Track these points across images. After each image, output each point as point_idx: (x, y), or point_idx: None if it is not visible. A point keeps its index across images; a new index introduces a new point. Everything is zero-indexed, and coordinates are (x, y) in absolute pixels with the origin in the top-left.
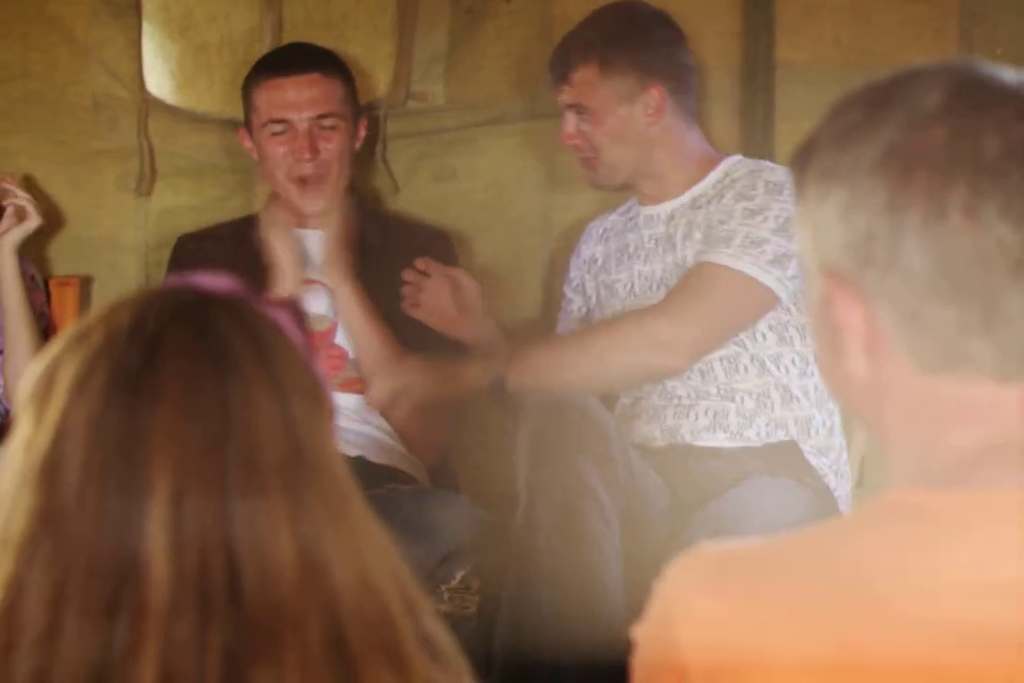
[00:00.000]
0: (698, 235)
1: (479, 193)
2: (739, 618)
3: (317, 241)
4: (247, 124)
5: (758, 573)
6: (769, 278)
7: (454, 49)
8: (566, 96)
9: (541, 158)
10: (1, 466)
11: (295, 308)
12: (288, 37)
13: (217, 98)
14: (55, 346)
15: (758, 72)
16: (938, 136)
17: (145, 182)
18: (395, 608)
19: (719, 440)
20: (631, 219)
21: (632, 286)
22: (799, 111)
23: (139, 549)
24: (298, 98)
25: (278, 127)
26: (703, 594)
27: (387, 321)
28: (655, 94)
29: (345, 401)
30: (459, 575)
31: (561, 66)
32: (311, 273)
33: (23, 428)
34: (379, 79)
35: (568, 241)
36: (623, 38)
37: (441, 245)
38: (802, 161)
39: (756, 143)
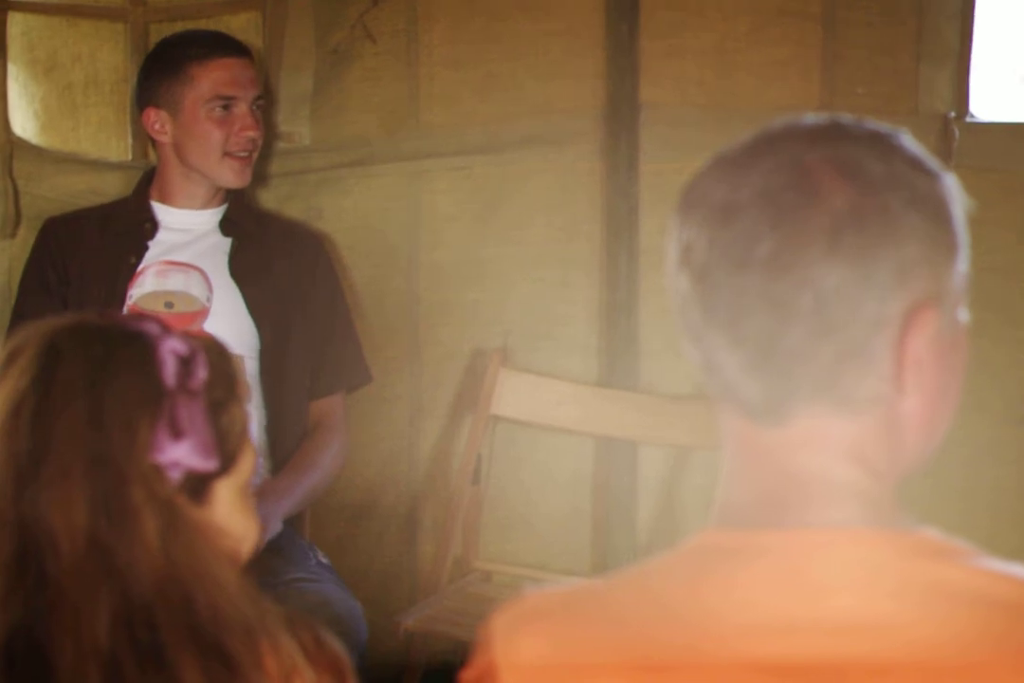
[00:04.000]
0: None
1: (346, 233)
2: (559, 658)
3: (205, 220)
4: (160, 103)
5: (577, 614)
6: None
7: (320, 90)
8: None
9: (407, 198)
10: None
11: (212, 344)
12: None
13: (83, 139)
14: None
15: (622, 113)
16: (703, 173)
17: (9, 224)
18: (199, 597)
19: None
20: None
21: None
22: (663, 151)
23: None
24: (244, 78)
25: (220, 104)
26: (525, 638)
27: (260, 313)
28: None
29: None
30: None
31: None
32: (188, 256)
33: None
34: None
35: (436, 279)
36: None
37: (313, 242)
38: None
39: (620, 184)
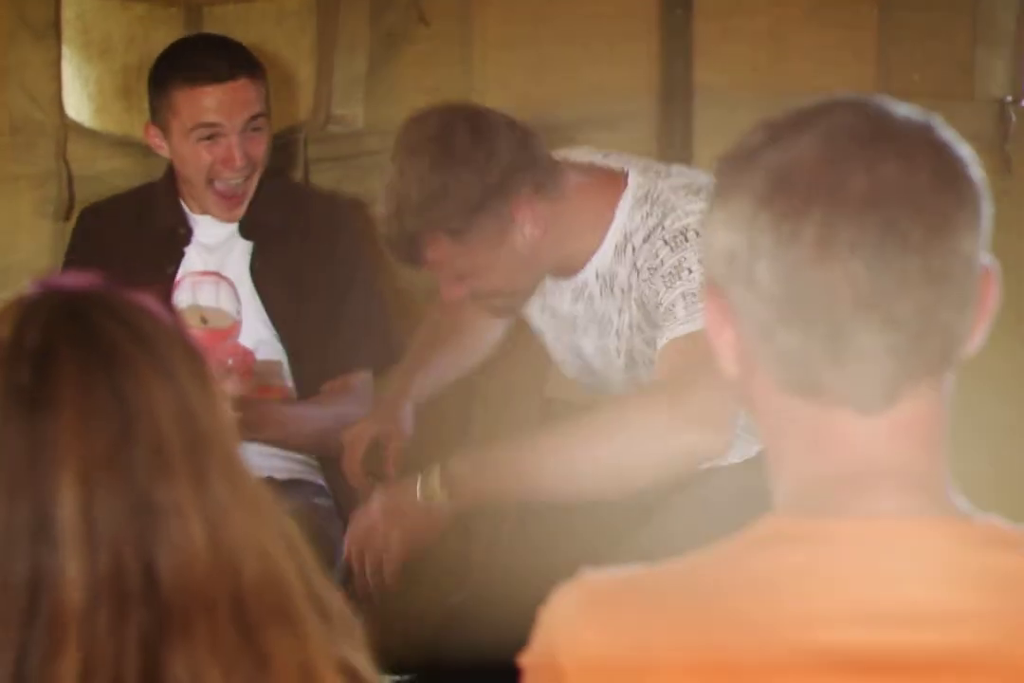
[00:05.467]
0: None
1: None
2: (622, 646)
3: (221, 228)
4: (157, 120)
5: (640, 601)
6: None
7: (374, 72)
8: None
9: None
10: None
11: (158, 294)
12: None
13: (136, 121)
14: None
15: (676, 96)
16: (808, 163)
17: (63, 207)
18: (288, 574)
19: None
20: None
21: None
22: (717, 135)
23: (52, 555)
24: (230, 103)
25: (206, 132)
26: (586, 622)
27: (281, 320)
28: (525, 214)
29: None
30: None
31: (406, 254)
32: (215, 263)
33: None
34: (299, 102)
35: None
36: (459, 190)
37: (358, 215)
38: (712, 180)
39: None
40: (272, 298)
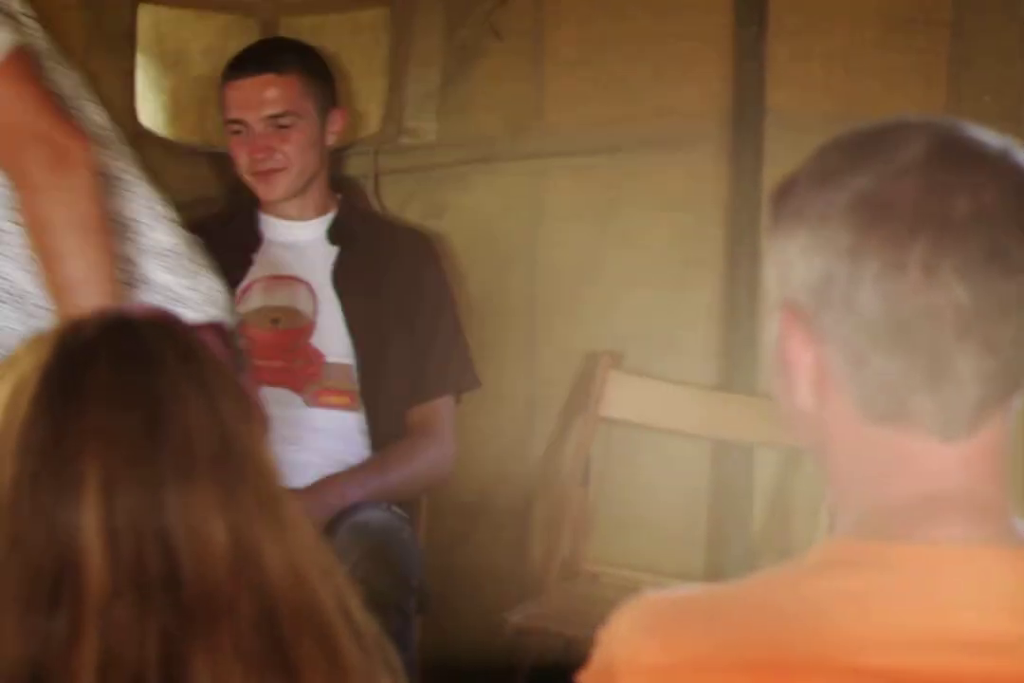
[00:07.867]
0: None
1: (466, 231)
2: (681, 666)
3: (311, 230)
4: None
5: (701, 622)
6: None
7: (447, 86)
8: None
9: (529, 197)
10: None
11: (220, 329)
12: None
13: (209, 131)
14: None
15: (748, 117)
16: (909, 190)
17: None
18: (325, 599)
19: None
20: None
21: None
22: (788, 156)
23: (74, 541)
24: (251, 99)
25: (237, 126)
26: (646, 641)
27: (357, 325)
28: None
29: (322, 419)
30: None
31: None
32: (294, 269)
33: None
34: (372, 115)
35: (555, 278)
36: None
37: (423, 247)
38: (779, 198)
39: (744, 188)
40: (351, 304)
